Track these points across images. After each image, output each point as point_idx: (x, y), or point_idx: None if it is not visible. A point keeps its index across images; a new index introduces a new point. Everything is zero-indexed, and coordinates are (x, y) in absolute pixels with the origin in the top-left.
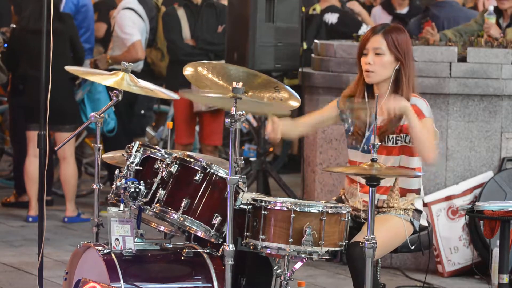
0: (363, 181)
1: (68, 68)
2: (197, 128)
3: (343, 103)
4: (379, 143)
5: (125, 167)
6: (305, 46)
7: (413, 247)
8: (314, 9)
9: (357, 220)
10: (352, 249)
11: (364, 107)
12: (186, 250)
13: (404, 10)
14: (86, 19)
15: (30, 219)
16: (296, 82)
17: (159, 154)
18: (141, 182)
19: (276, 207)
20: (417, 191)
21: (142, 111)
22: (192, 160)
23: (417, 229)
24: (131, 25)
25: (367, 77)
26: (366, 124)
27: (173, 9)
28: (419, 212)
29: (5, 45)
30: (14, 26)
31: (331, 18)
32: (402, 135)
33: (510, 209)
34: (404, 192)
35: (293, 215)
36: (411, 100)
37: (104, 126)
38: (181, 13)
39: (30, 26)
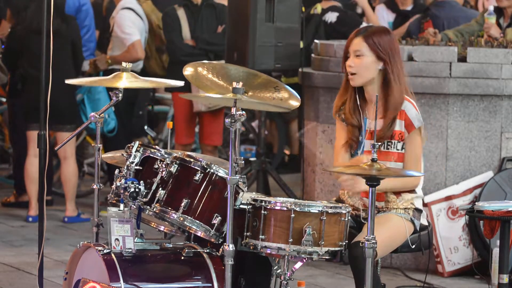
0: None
1: (71, 81)
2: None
3: (336, 112)
4: (378, 144)
5: (125, 167)
6: (301, 44)
7: (413, 246)
8: (316, 8)
9: (358, 219)
10: (354, 249)
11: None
12: (186, 250)
13: (408, 7)
14: (88, 18)
15: (30, 219)
16: (294, 81)
17: (159, 154)
18: (141, 182)
19: (276, 207)
20: (410, 190)
21: (140, 112)
22: (192, 160)
23: (418, 228)
24: (131, 25)
25: (351, 80)
26: (360, 130)
27: (173, 9)
28: (419, 211)
29: (2, 46)
30: (11, 27)
31: (331, 17)
32: (393, 141)
33: (510, 209)
34: (398, 194)
35: (293, 215)
36: (402, 104)
37: (104, 126)
38: (181, 13)
39: (34, 26)
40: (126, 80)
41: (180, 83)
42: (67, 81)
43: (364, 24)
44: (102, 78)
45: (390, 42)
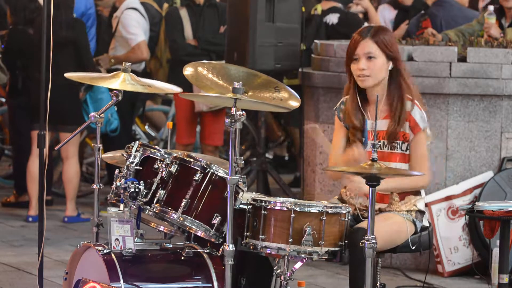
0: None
1: (69, 75)
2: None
3: (341, 112)
4: (379, 144)
5: (125, 167)
6: (303, 46)
7: (413, 247)
8: (316, 9)
9: (360, 219)
10: (355, 234)
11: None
12: (186, 250)
13: (409, 3)
14: (90, 20)
15: (30, 219)
16: (295, 82)
17: (159, 154)
18: (141, 182)
19: (276, 207)
20: (415, 193)
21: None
22: (191, 160)
23: (419, 230)
24: (136, 25)
25: (362, 82)
26: (360, 130)
27: (175, 9)
28: (422, 213)
29: (2, 46)
30: (11, 27)
31: (332, 18)
32: (398, 141)
33: (510, 209)
34: (403, 196)
35: (293, 215)
36: (406, 105)
37: (107, 126)
38: (183, 13)
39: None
40: (125, 82)
41: (178, 89)
42: (66, 75)
43: (366, 24)
44: (101, 76)
45: (394, 40)
